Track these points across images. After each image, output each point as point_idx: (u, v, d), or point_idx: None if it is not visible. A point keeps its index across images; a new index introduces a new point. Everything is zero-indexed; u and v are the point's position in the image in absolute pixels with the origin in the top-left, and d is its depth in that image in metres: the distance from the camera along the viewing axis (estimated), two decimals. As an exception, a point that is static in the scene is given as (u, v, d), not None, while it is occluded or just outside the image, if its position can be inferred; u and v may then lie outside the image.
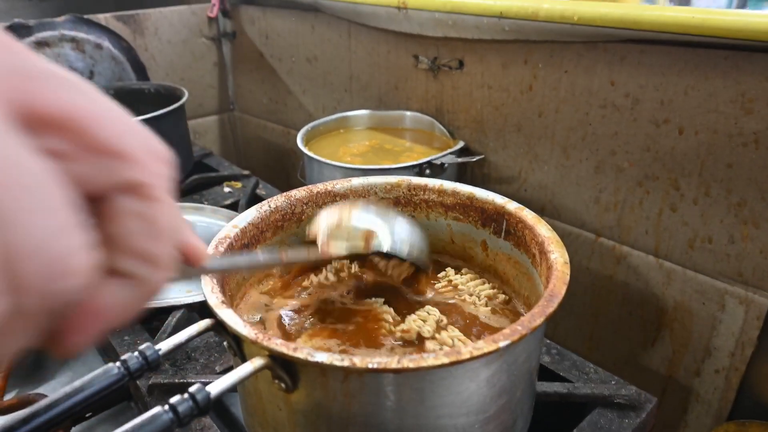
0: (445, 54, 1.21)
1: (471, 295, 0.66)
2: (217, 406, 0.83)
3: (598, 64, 0.96)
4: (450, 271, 0.71)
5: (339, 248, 0.60)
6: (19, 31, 1.44)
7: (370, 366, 0.43)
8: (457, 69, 1.20)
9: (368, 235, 0.61)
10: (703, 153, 0.88)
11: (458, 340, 0.58)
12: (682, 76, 0.87)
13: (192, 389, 0.42)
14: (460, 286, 0.68)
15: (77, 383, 0.42)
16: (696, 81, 0.86)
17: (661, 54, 0.88)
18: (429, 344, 0.58)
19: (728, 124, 0.84)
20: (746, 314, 0.90)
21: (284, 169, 1.88)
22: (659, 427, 1.07)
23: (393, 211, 0.69)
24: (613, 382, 0.73)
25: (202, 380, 0.54)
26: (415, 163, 1.10)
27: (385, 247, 0.61)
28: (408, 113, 1.35)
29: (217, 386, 0.43)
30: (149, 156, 0.28)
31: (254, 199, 1.31)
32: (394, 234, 0.62)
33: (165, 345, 0.48)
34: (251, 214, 0.67)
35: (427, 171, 1.12)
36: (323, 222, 0.62)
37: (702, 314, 0.96)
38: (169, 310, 0.88)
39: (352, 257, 0.64)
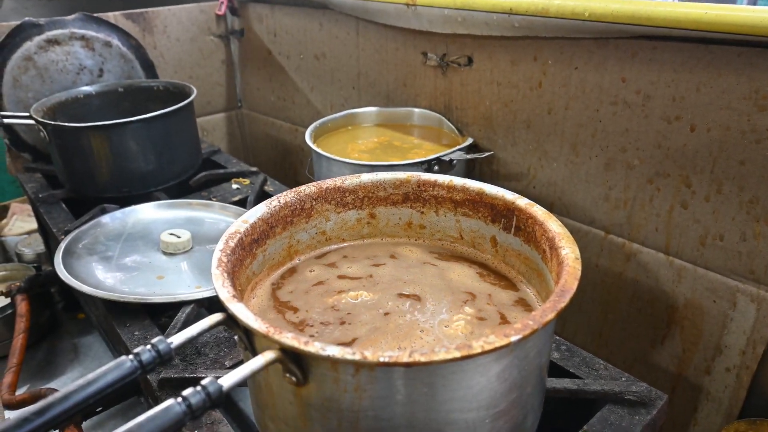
0: (453, 51, 1.20)
1: None
2: (227, 401, 0.83)
3: (609, 60, 0.96)
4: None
5: None
6: (30, 29, 1.45)
7: (381, 360, 0.43)
8: (465, 66, 1.19)
9: None
10: (715, 150, 0.88)
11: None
12: (695, 72, 0.86)
13: (204, 382, 0.42)
14: None
15: (90, 376, 0.43)
16: (709, 77, 0.85)
17: (674, 50, 0.88)
18: None
19: (741, 121, 0.84)
20: (758, 312, 0.89)
21: (292, 166, 1.88)
22: (669, 425, 1.06)
23: None
24: (623, 379, 0.73)
25: (213, 374, 0.54)
26: (423, 159, 1.10)
27: None
28: (416, 110, 1.34)
29: (229, 379, 0.44)
30: None
31: (262, 196, 1.31)
32: None
33: (177, 339, 0.49)
34: (261, 209, 0.67)
35: (436, 167, 1.12)
36: None
37: (713, 312, 0.95)
38: (178, 305, 0.89)
39: None
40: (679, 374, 1.03)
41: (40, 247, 1.63)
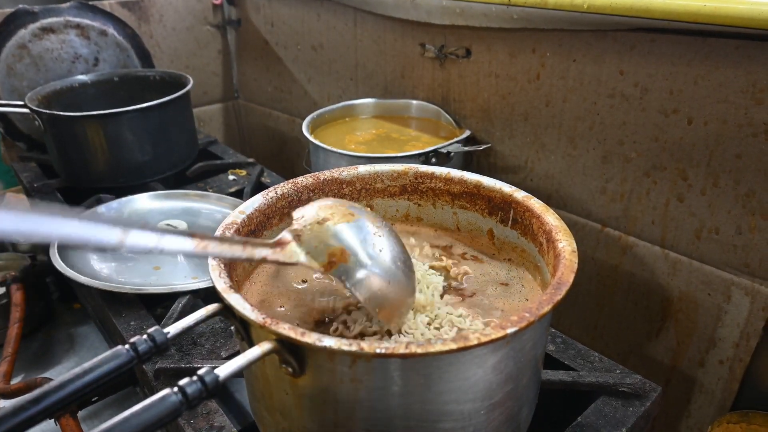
0: (452, 42, 1.20)
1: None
2: (223, 392, 0.84)
3: (607, 53, 0.96)
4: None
5: (294, 255, 0.50)
6: (24, 17, 1.43)
7: (377, 351, 0.43)
8: (464, 57, 1.19)
9: (338, 255, 0.50)
10: (711, 143, 0.88)
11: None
12: (693, 65, 0.86)
13: (200, 372, 0.42)
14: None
15: (87, 365, 0.43)
16: (706, 70, 0.85)
17: (672, 43, 0.88)
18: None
19: (738, 114, 0.84)
20: (752, 305, 0.90)
21: (289, 157, 1.88)
22: (662, 417, 1.07)
23: (394, 238, 0.56)
24: (617, 371, 0.73)
25: (209, 365, 0.54)
26: (421, 151, 1.10)
27: (347, 282, 0.50)
28: (414, 102, 1.34)
29: (225, 369, 0.44)
30: None
31: (259, 187, 1.31)
32: (372, 267, 0.51)
33: (173, 328, 0.49)
34: (258, 200, 0.67)
35: (433, 160, 1.12)
36: (307, 213, 0.53)
37: (707, 305, 0.96)
38: (174, 296, 0.89)
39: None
40: (673, 366, 1.04)
41: (36, 237, 1.62)
